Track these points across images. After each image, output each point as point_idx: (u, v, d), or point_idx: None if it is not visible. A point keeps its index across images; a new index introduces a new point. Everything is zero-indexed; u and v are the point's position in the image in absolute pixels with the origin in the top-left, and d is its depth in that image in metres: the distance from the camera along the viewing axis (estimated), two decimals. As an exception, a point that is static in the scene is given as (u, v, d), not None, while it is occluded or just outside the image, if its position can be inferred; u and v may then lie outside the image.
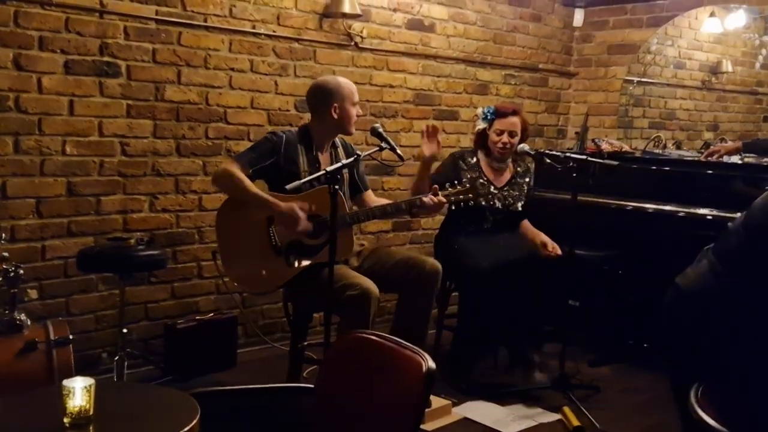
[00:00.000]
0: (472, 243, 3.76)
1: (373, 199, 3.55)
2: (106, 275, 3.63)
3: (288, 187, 2.91)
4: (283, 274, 3.23)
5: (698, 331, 1.93)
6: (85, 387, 1.77)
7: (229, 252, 3.29)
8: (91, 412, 1.79)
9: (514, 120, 3.84)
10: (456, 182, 3.39)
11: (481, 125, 3.89)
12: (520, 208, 3.95)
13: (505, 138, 3.83)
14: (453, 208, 3.39)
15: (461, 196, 3.34)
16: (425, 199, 3.28)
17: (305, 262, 3.22)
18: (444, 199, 3.29)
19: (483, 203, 3.70)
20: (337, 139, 3.45)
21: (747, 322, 1.79)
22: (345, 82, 3.35)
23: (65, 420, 1.78)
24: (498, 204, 3.88)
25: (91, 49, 3.49)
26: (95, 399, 1.81)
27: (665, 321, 2.10)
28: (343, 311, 3.11)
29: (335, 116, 3.29)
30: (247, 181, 3.17)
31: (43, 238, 3.48)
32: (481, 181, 3.83)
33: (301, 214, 3.13)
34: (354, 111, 3.33)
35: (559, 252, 3.78)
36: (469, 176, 3.71)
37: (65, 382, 1.77)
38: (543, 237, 3.90)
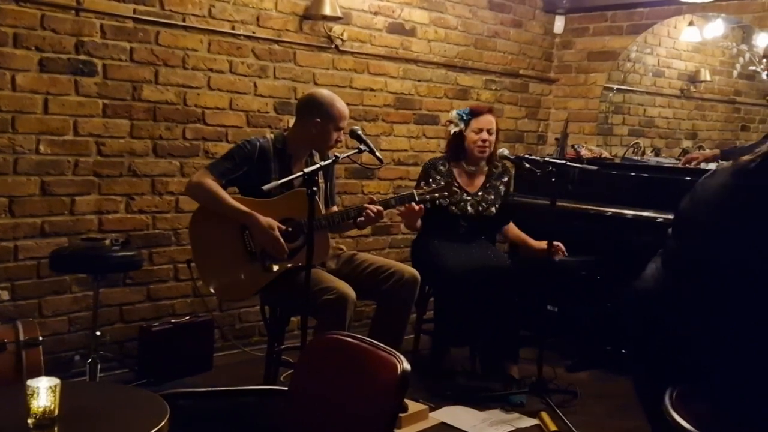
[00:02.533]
0: (446, 248, 3.78)
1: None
2: (79, 276, 3.57)
3: (265, 187, 2.89)
4: (260, 279, 3.19)
5: (649, 333, 1.91)
6: (50, 387, 1.73)
7: (205, 261, 3.23)
8: (57, 413, 1.75)
9: (490, 118, 3.88)
10: (430, 180, 3.43)
11: (455, 128, 3.88)
12: (494, 212, 3.93)
13: (484, 135, 3.84)
14: (428, 206, 3.40)
15: (436, 194, 3.35)
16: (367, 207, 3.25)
17: (282, 267, 3.19)
18: (380, 207, 3.25)
19: (455, 211, 3.74)
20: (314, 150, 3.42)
21: (686, 321, 1.77)
22: (339, 105, 3.29)
23: (29, 421, 1.74)
24: (471, 210, 3.88)
25: (66, 47, 3.45)
26: (62, 399, 1.77)
27: (621, 323, 2.08)
28: (319, 315, 3.08)
29: (314, 131, 3.26)
30: (222, 193, 3.13)
31: (16, 238, 3.42)
32: (455, 186, 3.82)
33: (278, 235, 3.09)
34: (335, 135, 3.28)
35: (562, 247, 3.76)
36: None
37: (29, 382, 1.74)
38: (540, 243, 3.83)
